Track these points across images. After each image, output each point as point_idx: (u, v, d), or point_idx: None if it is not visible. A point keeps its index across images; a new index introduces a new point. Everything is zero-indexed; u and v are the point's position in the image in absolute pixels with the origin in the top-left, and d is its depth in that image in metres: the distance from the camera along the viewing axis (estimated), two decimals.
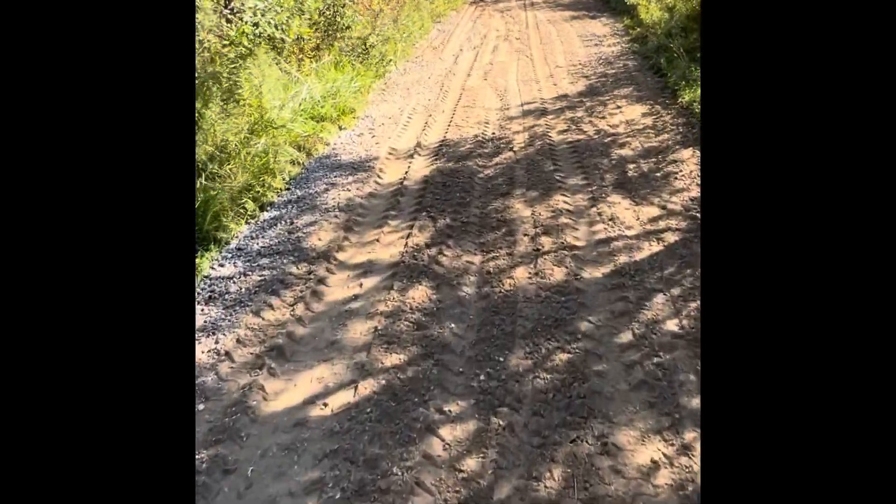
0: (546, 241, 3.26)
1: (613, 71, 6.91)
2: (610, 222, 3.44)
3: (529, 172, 4.18)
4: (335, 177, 4.25)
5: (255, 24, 5.01)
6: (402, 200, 3.85)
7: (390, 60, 7.18)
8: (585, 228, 3.40)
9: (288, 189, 4.10)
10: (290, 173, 4.28)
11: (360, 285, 2.97)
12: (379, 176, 4.26)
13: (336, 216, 3.66)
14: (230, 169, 4.01)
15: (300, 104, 5.14)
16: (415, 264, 3.08)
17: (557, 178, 4.07)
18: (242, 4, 5.53)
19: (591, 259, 3.09)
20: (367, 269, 3.11)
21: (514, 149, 4.64)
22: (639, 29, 8.65)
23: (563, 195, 3.80)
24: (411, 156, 4.60)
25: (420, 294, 2.85)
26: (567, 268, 3.00)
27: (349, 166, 4.43)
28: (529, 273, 2.98)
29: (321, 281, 3.00)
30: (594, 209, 3.61)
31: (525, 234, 3.35)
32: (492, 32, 9.59)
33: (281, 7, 5.82)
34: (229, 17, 5.13)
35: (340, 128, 5.25)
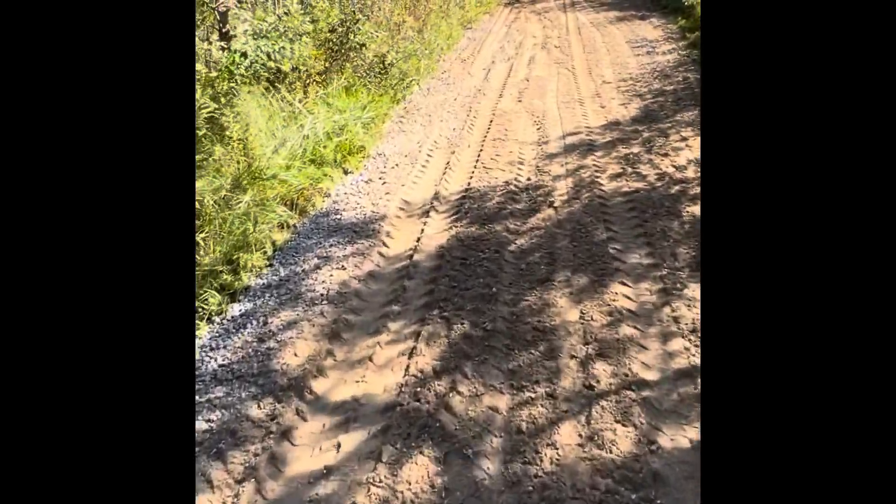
0: (602, 372, 2.28)
1: (672, 87, 5.80)
2: (692, 336, 2.43)
3: (575, 243, 3.20)
4: (331, 246, 3.38)
5: (244, 55, 4.19)
6: (408, 286, 2.94)
7: (412, 80, 6.27)
8: (658, 347, 2.41)
9: (270, 266, 3.25)
10: (276, 243, 3.44)
11: (337, 447, 2.07)
12: (384, 244, 3.37)
13: (322, 313, 2.79)
14: (202, 239, 3.20)
15: (300, 144, 4.30)
16: (416, 410, 2.16)
17: (613, 252, 3.08)
18: (236, 28, 4.73)
19: (672, 409, 2.11)
20: (350, 414, 2.21)
21: (556, 203, 3.66)
22: (697, 32, 7.45)
23: (623, 283, 2.81)
24: (426, 213, 3.69)
25: (418, 474, 1.93)
26: (637, 427, 2.02)
27: (350, 229, 3.55)
28: (580, 435, 2.02)
29: (286, 434, 2.12)
30: (667, 310, 2.60)
31: (572, 356, 2.39)
32: (528, 39, 8.55)
33: (285, 27, 5.00)
34: (223, 45, 4.33)
35: (346, 172, 4.38)
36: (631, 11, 9.97)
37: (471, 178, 4.13)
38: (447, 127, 5.22)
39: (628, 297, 2.72)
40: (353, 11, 5.70)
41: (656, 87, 5.89)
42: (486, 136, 4.89)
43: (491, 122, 5.24)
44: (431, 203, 3.80)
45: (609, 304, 2.66)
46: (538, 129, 5.00)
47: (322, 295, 2.93)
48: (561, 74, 6.60)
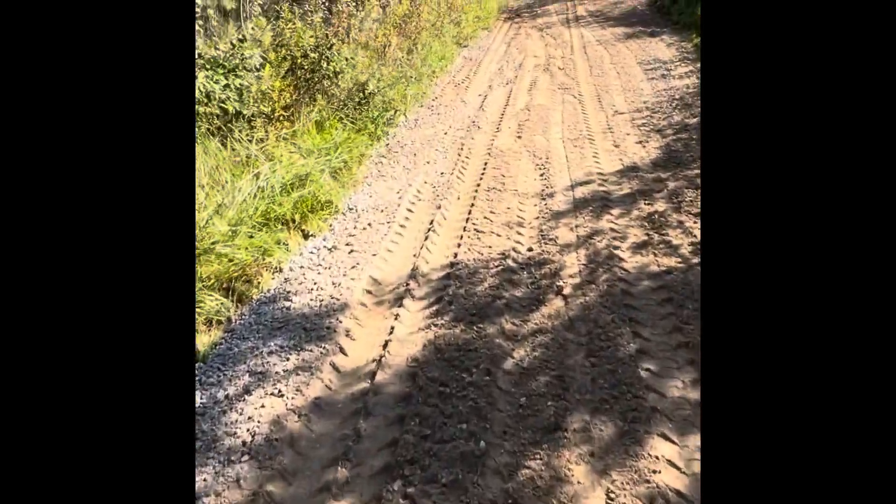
0: None
1: (696, 120, 4.97)
2: None
3: (594, 358, 2.36)
4: (270, 353, 2.54)
5: None
6: (364, 431, 2.10)
7: (396, 111, 5.45)
8: None
9: None
10: (198, 351, 2.61)
11: None
12: (341, 350, 2.53)
13: (239, 480, 1.95)
14: None
15: (251, 202, 3.48)
16: None
17: (645, 376, 2.24)
18: None
19: None
20: None
21: (565, 290, 2.82)
22: None
23: (665, 437, 1.97)
24: (399, 299, 2.85)
25: None
26: None
27: (299, 325, 2.71)
28: None
29: None
30: None
31: None
32: (529, 60, 7.74)
33: (241, 56, 4.20)
34: None
35: (306, 235, 3.56)
36: (640, 28, 9.17)
37: (458, 245, 3.30)
38: (434, 170, 4.40)
39: (675, 466, 1.87)
40: (328, 35, 4.90)
41: (677, 119, 5.06)
42: (478, 185, 4.06)
43: (486, 164, 4.42)
44: (407, 284, 2.97)
45: (647, 482, 1.82)
46: (541, 174, 4.17)
47: (244, 444, 2.09)
48: (566, 103, 5.79)
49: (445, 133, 5.20)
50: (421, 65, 6.79)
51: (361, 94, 5.17)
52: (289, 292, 2.99)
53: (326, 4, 5.15)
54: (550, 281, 2.90)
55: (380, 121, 5.15)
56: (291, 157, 4.16)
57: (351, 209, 3.86)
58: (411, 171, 4.42)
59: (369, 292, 2.96)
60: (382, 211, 3.80)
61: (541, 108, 5.67)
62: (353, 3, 5.86)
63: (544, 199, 3.80)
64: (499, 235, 3.37)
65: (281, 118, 4.53)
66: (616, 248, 3.15)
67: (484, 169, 4.34)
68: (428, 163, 4.56)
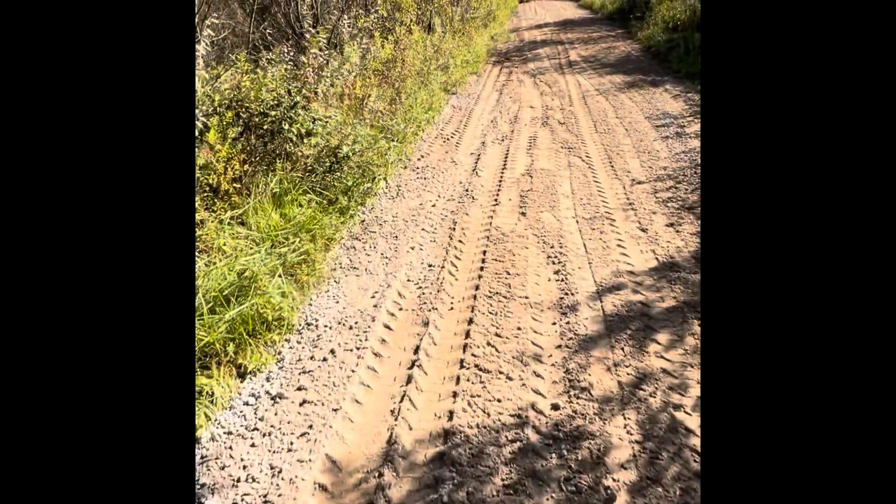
0: None
1: None
2: None
3: None
4: None
5: None
6: None
7: (375, 178, 4.55)
8: None
9: None
10: None
11: None
12: None
13: None
14: None
15: None
16: None
17: None
18: None
19: None
20: None
21: (618, 501, 1.87)
22: None
23: None
24: None
25: None
26: None
27: None
28: None
29: None
30: None
31: None
32: (524, 111, 6.96)
33: None
34: None
35: (243, 373, 2.57)
36: (639, 75, 8.51)
37: (454, 396, 2.33)
38: (420, 261, 3.47)
39: None
40: (291, 91, 4.00)
41: None
42: (477, 287, 3.13)
43: (484, 254, 3.49)
44: (379, 473, 1.98)
45: None
46: (556, 273, 3.25)
47: None
48: (574, 167, 4.94)
49: (434, 205, 4.29)
50: (405, 118, 5.94)
51: (333, 159, 4.26)
52: (202, 486, 1.98)
53: (292, 54, 4.27)
54: (594, 477, 1.93)
55: (355, 191, 4.22)
56: (237, 244, 3.20)
57: (310, 324, 2.88)
58: (391, 262, 3.47)
59: (324, 489, 1.97)
60: (351, 328, 2.83)
61: (545, 173, 4.81)
62: (328, 50, 5.00)
63: (565, 313, 2.87)
64: (510, 378, 2.42)
65: (228, 193, 3.58)
66: (678, 406, 2.21)
67: (483, 261, 3.41)
68: (412, 248, 3.62)
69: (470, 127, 6.38)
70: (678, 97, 7.06)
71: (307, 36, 4.42)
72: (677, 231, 3.66)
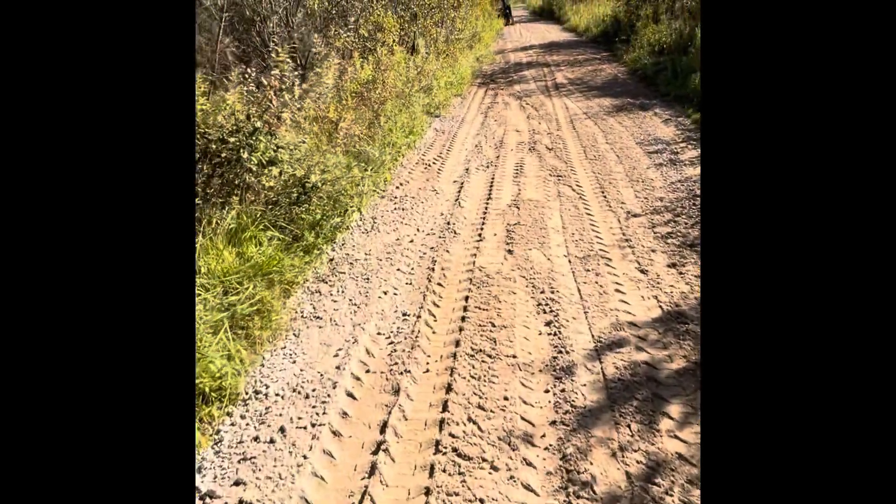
0: None
1: None
2: None
3: None
4: None
5: None
6: None
7: (347, 210, 4.13)
8: None
9: None
10: None
11: None
12: None
13: None
14: None
15: None
16: None
17: None
18: None
19: None
20: None
21: None
22: None
23: None
24: None
25: None
26: None
27: None
28: None
29: None
30: None
31: None
32: (510, 135, 6.62)
33: None
34: None
35: None
36: (627, 99, 8.25)
37: (426, 495, 1.88)
38: (393, 309, 3.03)
39: None
40: (250, 116, 3.58)
41: None
42: (458, 343, 2.70)
43: (466, 302, 3.07)
44: None
45: None
46: (548, 325, 2.84)
47: None
48: (564, 197, 4.58)
49: (411, 240, 3.88)
50: (384, 142, 5.55)
51: (301, 189, 3.84)
52: None
53: (253, 75, 3.87)
54: None
55: (324, 225, 3.79)
56: None
57: (259, 392, 2.42)
58: (360, 310, 3.03)
59: None
60: (308, 396, 2.38)
61: (532, 205, 4.43)
62: (297, 71, 4.61)
63: (559, 377, 2.44)
64: (494, 468, 1.98)
65: None
66: None
67: (464, 309, 2.99)
68: (385, 293, 3.19)
69: (453, 152, 6.01)
70: (669, 122, 6.78)
71: (273, 55, 4.02)
72: (681, 273, 3.28)
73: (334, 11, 6.90)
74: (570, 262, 3.48)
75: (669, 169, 5.09)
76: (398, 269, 3.47)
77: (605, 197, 4.53)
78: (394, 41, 8.01)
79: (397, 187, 4.96)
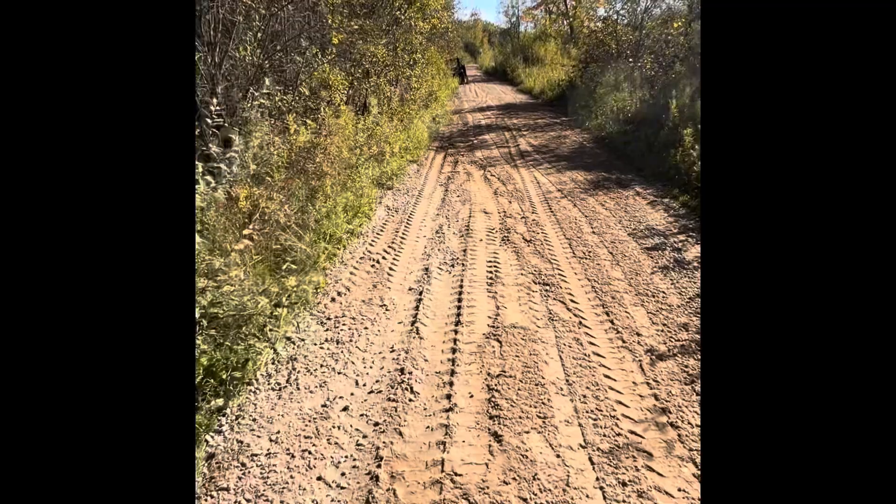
0: None
1: None
2: None
3: None
4: None
5: None
6: None
7: (249, 357, 2.75)
8: None
9: None
10: None
11: None
12: None
13: None
14: None
15: None
16: None
17: None
18: None
19: None
20: None
21: None
22: None
23: None
24: None
25: None
26: None
27: None
28: None
29: None
30: None
31: None
32: (478, 217, 5.47)
33: None
34: None
35: None
36: (601, 172, 7.37)
37: None
38: None
39: None
40: None
41: None
42: None
43: None
44: None
45: None
46: None
47: None
48: (558, 322, 3.38)
49: (345, 408, 2.53)
50: (319, 232, 4.25)
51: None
52: None
53: None
54: None
55: (206, 388, 2.39)
56: None
57: None
58: None
59: None
60: None
61: (519, 336, 3.20)
62: (214, 139, 3.29)
63: None
64: None
65: None
66: None
67: None
68: None
69: (409, 241, 4.77)
70: (655, 204, 5.85)
71: None
72: None
73: (267, 65, 5.69)
74: (591, 461, 2.22)
75: (679, 275, 4.03)
76: (318, 478, 2.11)
77: (612, 322, 3.37)
78: (341, 100, 6.87)
79: (333, 299, 3.63)
